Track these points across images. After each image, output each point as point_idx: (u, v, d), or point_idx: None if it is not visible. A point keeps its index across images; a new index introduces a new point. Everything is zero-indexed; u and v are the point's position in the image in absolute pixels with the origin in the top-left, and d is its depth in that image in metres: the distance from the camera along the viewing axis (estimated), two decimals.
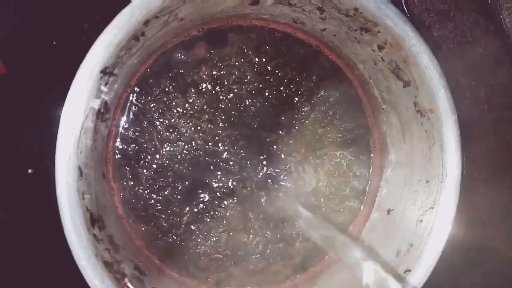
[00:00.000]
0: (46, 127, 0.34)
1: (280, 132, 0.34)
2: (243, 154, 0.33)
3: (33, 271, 0.35)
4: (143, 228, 0.32)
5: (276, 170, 0.34)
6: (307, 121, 0.34)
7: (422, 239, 0.29)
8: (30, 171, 0.36)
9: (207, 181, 0.33)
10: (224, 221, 0.33)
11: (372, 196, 0.36)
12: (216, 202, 0.33)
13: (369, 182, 0.36)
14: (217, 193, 0.33)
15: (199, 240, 0.33)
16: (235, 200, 0.33)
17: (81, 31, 0.35)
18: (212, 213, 0.33)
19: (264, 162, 0.34)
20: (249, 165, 0.33)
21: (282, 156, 0.34)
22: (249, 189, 0.33)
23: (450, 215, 0.29)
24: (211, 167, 0.33)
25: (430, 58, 0.28)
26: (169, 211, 0.33)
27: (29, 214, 0.35)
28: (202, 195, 0.33)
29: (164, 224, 0.32)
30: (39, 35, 0.35)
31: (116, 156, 0.32)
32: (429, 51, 0.28)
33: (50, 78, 0.35)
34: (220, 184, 0.33)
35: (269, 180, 0.34)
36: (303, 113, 0.34)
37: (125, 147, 0.32)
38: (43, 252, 0.35)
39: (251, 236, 0.33)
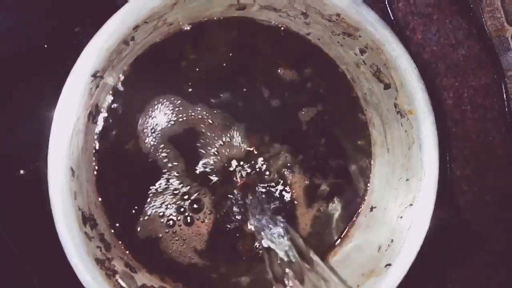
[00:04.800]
0: (37, 129, 0.35)
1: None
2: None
3: (25, 270, 0.35)
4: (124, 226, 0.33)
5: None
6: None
7: (402, 235, 0.31)
8: (21, 172, 0.36)
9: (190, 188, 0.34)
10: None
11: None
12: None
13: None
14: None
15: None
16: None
17: (71, 34, 0.36)
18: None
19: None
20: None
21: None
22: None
23: (429, 212, 0.30)
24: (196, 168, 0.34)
25: (408, 61, 0.29)
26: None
27: (20, 214, 0.36)
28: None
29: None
30: (30, 38, 0.36)
31: (104, 157, 0.32)
32: (408, 55, 0.29)
33: (40, 81, 0.35)
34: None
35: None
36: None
37: (114, 148, 0.33)
38: (35, 250, 0.36)
39: None
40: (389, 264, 0.30)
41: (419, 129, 0.30)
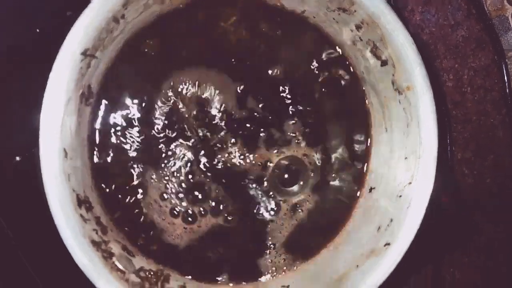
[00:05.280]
0: (32, 115, 0.34)
1: None
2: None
3: (20, 256, 0.35)
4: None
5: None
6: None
7: (401, 214, 0.30)
8: (17, 158, 0.36)
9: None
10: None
11: None
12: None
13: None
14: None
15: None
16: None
17: (64, 18, 0.35)
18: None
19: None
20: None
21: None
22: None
23: (428, 188, 0.30)
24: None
25: (405, 35, 0.29)
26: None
27: (16, 200, 0.35)
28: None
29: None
30: (22, 23, 0.36)
31: (99, 140, 0.32)
32: (404, 29, 0.29)
33: (34, 65, 0.35)
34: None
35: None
36: None
37: (108, 131, 0.32)
38: (32, 237, 0.36)
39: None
40: (388, 244, 0.30)
41: (417, 105, 0.30)
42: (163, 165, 0.33)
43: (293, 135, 0.35)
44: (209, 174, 0.34)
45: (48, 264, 0.35)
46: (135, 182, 0.33)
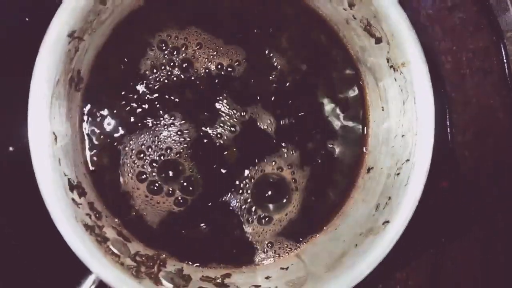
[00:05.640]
0: (25, 104, 0.34)
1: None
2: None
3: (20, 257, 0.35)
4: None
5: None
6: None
7: (399, 191, 0.30)
8: (11, 148, 0.36)
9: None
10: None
11: None
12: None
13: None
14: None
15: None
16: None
17: (54, 6, 0.35)
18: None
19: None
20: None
21: None
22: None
23: (426, 165, 0.29)
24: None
25: (398, 10, 0.28)
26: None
27: (10, 190, 0.35)
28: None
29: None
30: (11, 12, 0.36)
31: (90, 127, 0.32)
32: (398, 4, 0.28)
33: (25, 54, 0.35)
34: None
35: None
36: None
37: (99, 117, 0.32)
38: (26, 228, 0.35)
39: None
40: (387, 221, 0.30)
41: (412, 81, 0.29)
42: (156, 143, 0.33)
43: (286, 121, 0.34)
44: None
45: (48, 263, 0.35)
46: (133, 170, 0.32)
